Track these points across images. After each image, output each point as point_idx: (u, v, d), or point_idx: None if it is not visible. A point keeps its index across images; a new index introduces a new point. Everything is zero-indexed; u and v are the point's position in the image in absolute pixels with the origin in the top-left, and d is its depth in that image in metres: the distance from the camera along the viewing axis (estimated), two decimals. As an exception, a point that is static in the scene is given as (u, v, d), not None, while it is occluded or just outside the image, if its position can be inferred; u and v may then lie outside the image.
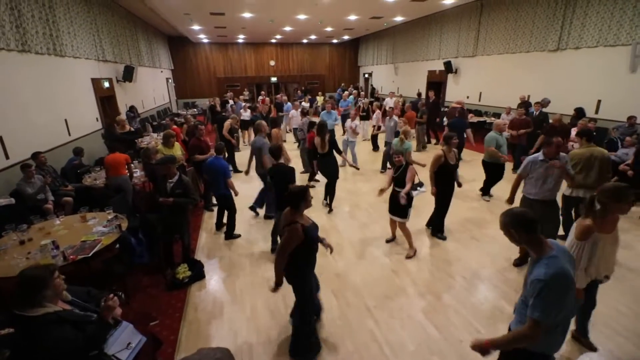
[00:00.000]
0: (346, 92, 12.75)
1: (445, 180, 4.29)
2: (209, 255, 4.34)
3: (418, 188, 4.02)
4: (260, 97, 13.25)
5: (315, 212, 5.35)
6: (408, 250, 4.17)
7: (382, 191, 4.03)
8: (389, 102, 11.11)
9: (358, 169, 6.47)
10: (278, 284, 2.55)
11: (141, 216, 4.05)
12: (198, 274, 3.82)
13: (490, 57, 10.46)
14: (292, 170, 4.01)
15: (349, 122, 7.64)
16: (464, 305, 3.29)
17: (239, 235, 4.79)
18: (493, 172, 5.72)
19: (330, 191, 5.54)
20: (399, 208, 3.97)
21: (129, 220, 3.76)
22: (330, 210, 5.52)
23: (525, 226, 1.67)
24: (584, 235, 2.21)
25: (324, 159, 5.45)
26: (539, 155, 3.55)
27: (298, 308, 2.77)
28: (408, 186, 3.84)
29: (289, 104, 10.68)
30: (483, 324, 3.04)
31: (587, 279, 2.33)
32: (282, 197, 3.71)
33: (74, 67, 6.96)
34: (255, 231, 4.95)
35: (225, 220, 4.88)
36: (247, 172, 5.39)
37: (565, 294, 1.59)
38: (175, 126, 7.38)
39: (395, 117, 7.49)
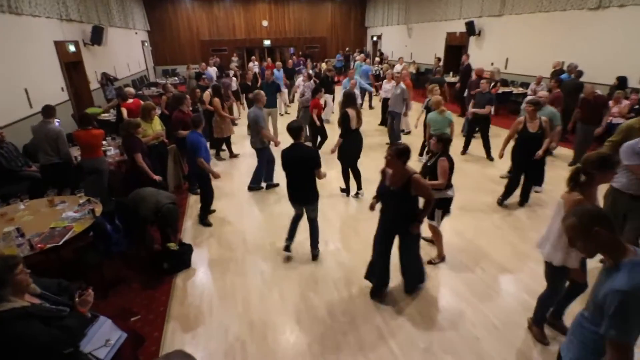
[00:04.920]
0: (361, 56, 12.55)
1: (522, 149, 4.63)
2: (195, 244, 4.36)
3: (450, 189, 3.65)
4: (250, 62, 13.00)
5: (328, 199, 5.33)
6: (433, 257, 3.90)
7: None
8: (398, 69, 10.94)
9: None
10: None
11: (117, 200, 4.05)
12: (187, 252, 3.94)
13: (519, 17, 10.19)
14: (316, 154, 3.72)
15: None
16: (482, 299, 3.34)
17: (211, 224, 4.82)
18: None
19: (356, 173, 5.36)
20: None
21: (104, 204, 3.77)
22: (357, 194, 5.44)
23: (608, 224, 1.53)
24: None
25: (356, 136, 5.15)
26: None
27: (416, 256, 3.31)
28: (439, 182, 3.47)
29: (281, 70, 10.63)
30: (502, 320, 3.09)
31: (579, 257, 2.48)
32: (296, 185, 3.68)
33: (33, 28, 6.78)
34: (247, 219, 4.98)
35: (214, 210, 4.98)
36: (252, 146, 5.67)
37: None
38: (129, 101, 6.65)
39: (402, 85, 7.39)
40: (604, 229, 1.52)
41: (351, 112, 5.04)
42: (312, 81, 8.32)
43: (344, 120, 5.08)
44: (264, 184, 5.87)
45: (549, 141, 4.63)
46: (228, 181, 6.12)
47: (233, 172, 6.62)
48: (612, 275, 1.53)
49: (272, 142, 5.63)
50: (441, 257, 3.91)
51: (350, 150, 5.21)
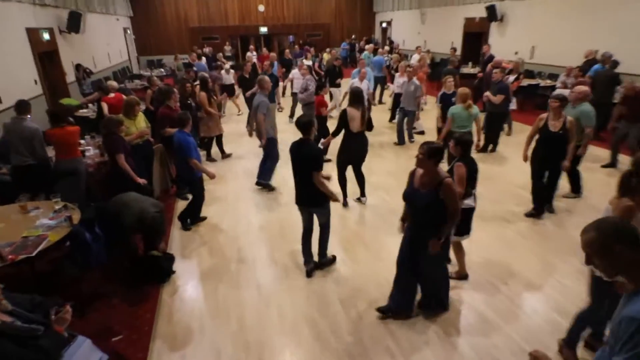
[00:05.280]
0: (370, 46, 12.66)
1: (540, 150, 4.64)
2: (183, 255, 4.38)
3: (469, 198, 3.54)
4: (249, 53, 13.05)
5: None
6: (455, 272, 3.84)
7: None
8: (415, 59, 10.99)
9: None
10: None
11: (97, 205, 4.05)
12: (169, 260, 4.02)
13: (547, 0, 10.18)
14: (320, 151, 3.83)
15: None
16: (506, 318, 3.32)
17: (189, 229, 4.89)
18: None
19: (359, 178, 5.39)
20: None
21: (82, 210, 3.77)
22: (360, 199, 5.48)
23: (633, 242, 1.46)
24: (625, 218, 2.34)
25: (356, 138, 5.12)
26: None
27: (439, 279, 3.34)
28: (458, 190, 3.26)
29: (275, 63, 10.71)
30: (529, 341, 3.06)
31: None
32: (301, 184, 3.71)
33: (2, 13, 6.84)
34: (242, 226, 4.98)
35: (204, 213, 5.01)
36: (250, 134, 6.48)
37: None
38: (111, 95, 6.64)
39: (416, 81, 7.38)
40: (626, 247, 1.44)
41: (352, 111, 5.01)
42: (311, 75, 8.33)
43: (340, 119, 5.13)
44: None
45: (572, 146, 4.48)
46: (221, 184, 6.12)
47: (226, 174, 6.63)
48: (631, 301, 1.47)
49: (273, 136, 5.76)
50: (462, 275, 3.86)
51: (349, 154, 5.19)
